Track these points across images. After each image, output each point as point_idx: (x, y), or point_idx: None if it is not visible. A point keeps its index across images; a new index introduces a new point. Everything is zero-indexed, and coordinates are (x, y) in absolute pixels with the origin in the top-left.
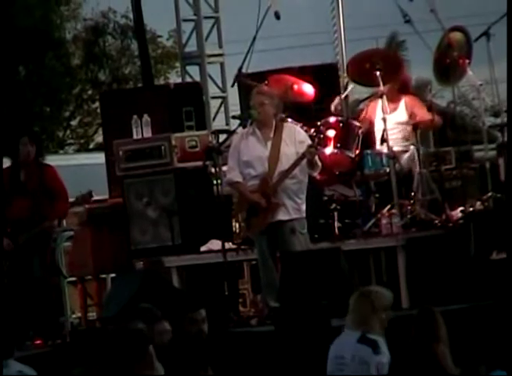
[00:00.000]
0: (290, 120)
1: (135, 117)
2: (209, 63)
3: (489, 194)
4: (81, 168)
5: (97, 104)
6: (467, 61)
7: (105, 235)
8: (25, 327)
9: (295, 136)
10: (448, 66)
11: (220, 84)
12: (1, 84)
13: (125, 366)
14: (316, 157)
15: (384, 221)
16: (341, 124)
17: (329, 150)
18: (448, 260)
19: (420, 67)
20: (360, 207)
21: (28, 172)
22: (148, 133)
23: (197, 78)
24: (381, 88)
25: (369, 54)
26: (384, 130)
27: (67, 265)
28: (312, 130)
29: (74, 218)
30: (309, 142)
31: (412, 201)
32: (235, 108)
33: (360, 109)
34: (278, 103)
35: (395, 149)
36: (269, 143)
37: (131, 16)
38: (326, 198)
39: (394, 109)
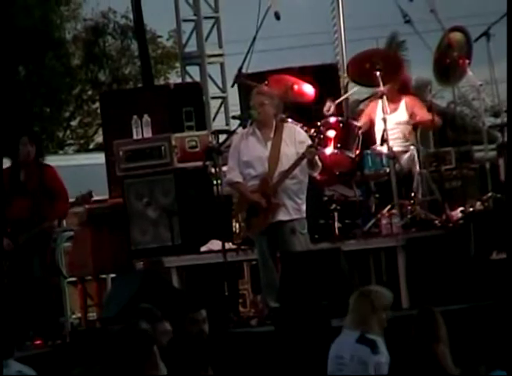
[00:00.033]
0: (290, 120)
1: (135, 117)
2: (209, 63)
3: (489, 194)
4: (80, 168)
5: (97, 104)
6: (467, 61)
7: (105, 235)
8: (25, 327)
9: (295, 136)
10: (448, 66)
11: (220, 85)
12: (1, 85)
13: (131, 366)
14: (316, 158)
15: (384, 221)
16: (341, 125)
17: (329, 150)
18: (448, 260)
19: (420, 67)
20: (360, 207)
21: (28, 172)
22: (148, 133)
23: (197, 78)
24: (381, 88)
25: (369, 54)
26: (384, 130)
27: (67, 266)
28: (312, 130)
29: (74, 219)
30: (309, 142)
31: (412, 201)
32: (235, 108)
33: (360, 109)
34: (278, 103)
35: (395, 149)
36: (269, 143)
37: (131, 16)
38: (326, 198)
39: (395, 109)
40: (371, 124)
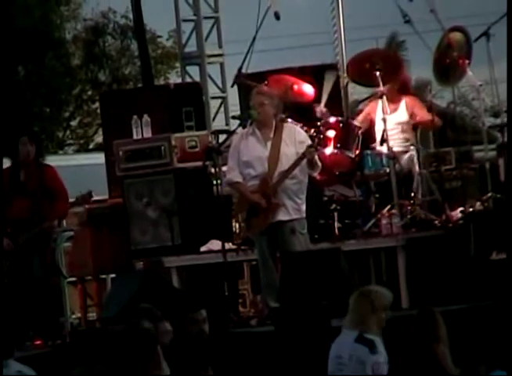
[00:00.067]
0: (290, 120)
1: (134, 117)
2: (209, 63)
3: (489, 195)
4: (80, 168)
5: (97, 104)
6: (467, 61)
7: (105, 235)
8: (25, 327)
9: (295, 136)
10: (448, 66)
11: (220, 85)
12: (1, 85)
13: (136, 366)
14: (316, 158)
15: (383, 221)
16: (341, 125)
17: (329, 150)
18: (448, 260)
19: (419, 68)
20: (360, 207)
21: (28, 172)
22: (148, 133)
23: (197, 78)
24: (381, 88)
25: (369, 54)
26: (384, 130)
27: (67, 266)
28: (312, 130)
29: (74, 219)
30: (309, 142)
31: (412, 202)
32: (235, 108)
33: (360, 109)
34: (278, 103)
35: (395, 149)
36: (269, 143)
37: (131, 16)
38: (326, 198)
39: (395, 109)
40: (371, 124)
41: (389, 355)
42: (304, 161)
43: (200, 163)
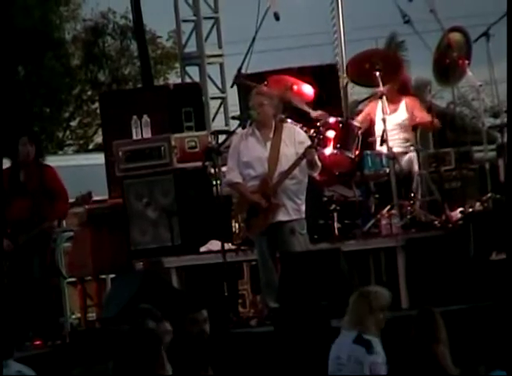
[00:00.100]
0: (289, 120)
1: (134, 117)
2: (208, 63)
3: (489, 195)
4: (80, 168)
5: (97, 105)
6: (467, 62)
7: (104, 235)
8: (25, 327)
9: (295, 137)
10: (447, 66)
11: (219, 85)
12: (1, 85)
13: (142, 366)
14: (316, 158)
15: (383, 221)
16: (341, 125)
17: (328, 150)
18: (447, 261)
19: (419, 68)
20: (360, 207)
21: (28, 173)
22: (147, 134)
23: (197, 79)
24: (381, 88)
25: (369, 54)
26: (384, 131)
27: (67, 266)
28: (312, 130)
29: (74, 219)
30: (309, 142)
31: (411, 202)
32: (234, 109)
33: (359, 109)
34: (277, 103)
35: (395, 150)
36: (269, 144)
37: (130, 16)
38: (325, 199)
39: (395, 110)
40: (371, 125)
41: (389, 355)
42: (304, 162)
43: (199, 163)
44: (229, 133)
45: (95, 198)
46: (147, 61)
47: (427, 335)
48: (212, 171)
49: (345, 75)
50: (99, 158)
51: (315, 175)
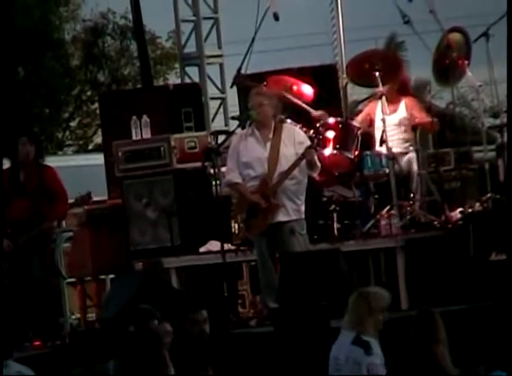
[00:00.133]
0: (289, 121)
1: (134, 117)
2: (208, 63)
3: (488, 195)
4: (80, 169)
5: (96, 105)
6: (466, 62)
7: (104, 236)
8: (24, 327)
9: (294, 137)
10: (447, 66)
11: (219, 85)
12: (1, 85)
13: (146, 365)
14: (316, 158)
15: (383, 222)
16: (340, 125)
17: (328, 150)
18: (447, 261)
19: (419, 68)
20: (359, 208)
21: (28, 173)
22: (147, 134)
23: (196, 79)
24: (380, 88)
25: (369, 55)
26: (384, 131)
27: (66, 266)
28: (311, 131)
29: (74, 219)
30: (308, 143)
31: (411, 202)
32: (234, 109)
33: (359, 110)
34: (277, 103)
35: (395, 150)
36: (268, 144)
37: (130, 16)
38: (325, 199)
39: (394, 110)
40: (371, 125)
41: (388, 355)
42: (304, 162)
43: (199, 164)
44: (229, 133)
45: (95, 198)
46: (147, 61)
47: (426, 335)
48: (212, 171)
49: (345, 76)
50: (99, 159)
51: (315, 175)
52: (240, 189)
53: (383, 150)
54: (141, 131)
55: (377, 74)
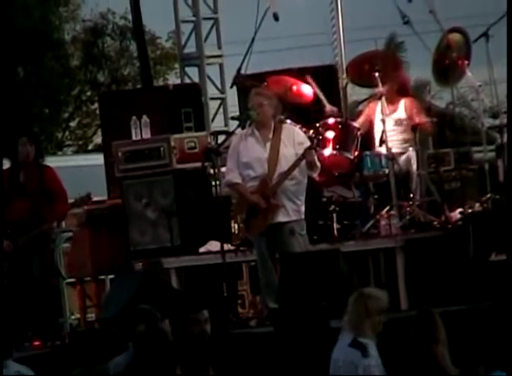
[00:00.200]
0: (288, 121)
1: (134, 118)
2: (208, 64)
3: (488, 196)
4: (79, 169)
5: (96, 105)
6: (466, 62)
7: (104, 236)
8: (24, 328)
9: (294, 137)
10: (447, 67)
11: (219, 86)
12: (1, 85)
13: (159, 364)
14: (315, 159)
15: (382, 222)
16: (340, 126)
17: (328, 151)
18: (447, 261)
19: (419, 68)
20: (359, 208)
21: (28, 173)
22: (147, 134)
23: (196, 79)
24: (380, 88)
25: (369, 56)
26: (383, 131)
27: (66, 267)
28: (311, 131)
29: (73, 220)
30: (308, 143)
31: (411, 203)
32: (234, 109)
33: (359, 110)
34: (277, 103)
35: (395, 150)
36: (268, 144)
37: (130, 17)
38: (325, 199)
39: (394, 110)
40: (370, 125)
41: (388, 356)
42: (304, 162)
43: (199, 164)
44: (229, 134)
45: (95, 199)
46: (146, 62)
47: (426, 336)
48: (211, 171)
49: (345, 76)
50: (99, 159)
51: (315, 175)
52: (240, 189)
53: (382, 150)
54: (141, 131)
55: (377, 74)
